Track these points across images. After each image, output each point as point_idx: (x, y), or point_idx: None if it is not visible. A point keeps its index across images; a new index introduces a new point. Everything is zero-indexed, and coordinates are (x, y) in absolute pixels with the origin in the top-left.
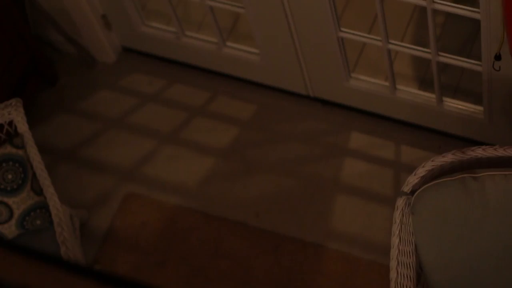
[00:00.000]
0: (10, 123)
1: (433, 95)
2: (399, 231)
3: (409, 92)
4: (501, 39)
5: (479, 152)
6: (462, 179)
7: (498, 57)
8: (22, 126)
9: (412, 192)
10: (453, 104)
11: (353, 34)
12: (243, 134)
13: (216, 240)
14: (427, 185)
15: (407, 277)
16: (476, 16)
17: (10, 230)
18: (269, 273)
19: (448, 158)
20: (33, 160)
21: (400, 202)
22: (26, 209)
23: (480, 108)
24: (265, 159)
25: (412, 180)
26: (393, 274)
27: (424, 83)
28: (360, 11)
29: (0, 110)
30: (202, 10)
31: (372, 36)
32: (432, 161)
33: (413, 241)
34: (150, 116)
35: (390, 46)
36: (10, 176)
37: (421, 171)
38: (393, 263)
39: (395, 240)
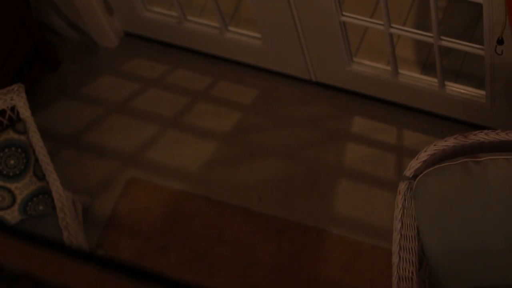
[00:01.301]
0: (13, 108)
1: (435, 79)
2: (401, 216)
3: (411, 76)
4: (503, 23)
5: (481, 136)
6: (464, 164)
7: (500, 41)
8: (25, 111)
9: (414, 176)
10: (455, 88)
11: (355, 18)
12: (245, 118)
13: (218, 225)
14: (429, 170)
15: (409, 261)
16: (478, 0)
17: (12, 215)
18: (271, 258)
19: (450, 142)
20: (36, 146)
21: (402, 186)
22: (29, 194)
23: (482, 92)
24: (268, 144)
25: (414, 164)
26: (395, 259)
27: (426, 67)
28: None
29: (3, 95)
30: None
31: (374, 20)
32: (434, 145)
33: (415, 225)
34: (152, 101)
35: (392, 30)
36: (12, 162)
37: (423, 156)
38: (395, 248)
39: (397, 225)
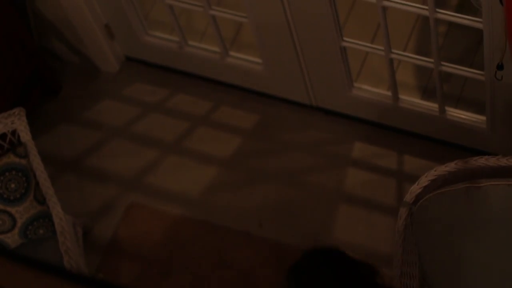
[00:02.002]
0: (13, 132)
1: (435, 105)
2: (402, 241)
3: (412, 101)
4: (503, 49)
5: (481, 162)
6: (465, 189)
7: (500, 67)
8: (25, 135)
9: (415, 202)
10: (456, 113)
11: (355, 43)
12: (246, 143)
13: (219, 250)
14: (430, 195)
15: (410, 287)
16: (479, 25)
17: (13, 239)
18: (272, 283)
19: (451, 168)
20: (36, 170)
21: (403, 212)
22: (29, 218)
23: (483, 117)
24: (268, 169)
25: (415, 190)
26: (396, 284)
27: (427, 93)
28: (362, 21)
29: (3, 119)
30: (205, 20)
31: (374, 46)
32: (435, 171)
33: (416, 251)
34: (153, 126)
35: (393, 56)
36: (13, 185)
37: (424, 181)
38: (396, 273)
39: (398, 250)
